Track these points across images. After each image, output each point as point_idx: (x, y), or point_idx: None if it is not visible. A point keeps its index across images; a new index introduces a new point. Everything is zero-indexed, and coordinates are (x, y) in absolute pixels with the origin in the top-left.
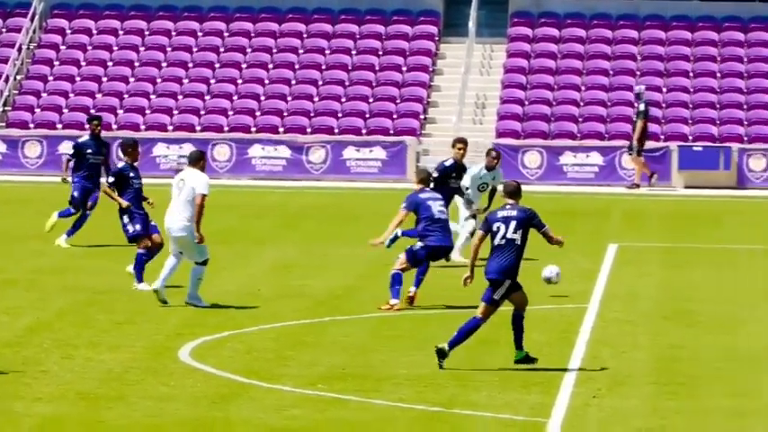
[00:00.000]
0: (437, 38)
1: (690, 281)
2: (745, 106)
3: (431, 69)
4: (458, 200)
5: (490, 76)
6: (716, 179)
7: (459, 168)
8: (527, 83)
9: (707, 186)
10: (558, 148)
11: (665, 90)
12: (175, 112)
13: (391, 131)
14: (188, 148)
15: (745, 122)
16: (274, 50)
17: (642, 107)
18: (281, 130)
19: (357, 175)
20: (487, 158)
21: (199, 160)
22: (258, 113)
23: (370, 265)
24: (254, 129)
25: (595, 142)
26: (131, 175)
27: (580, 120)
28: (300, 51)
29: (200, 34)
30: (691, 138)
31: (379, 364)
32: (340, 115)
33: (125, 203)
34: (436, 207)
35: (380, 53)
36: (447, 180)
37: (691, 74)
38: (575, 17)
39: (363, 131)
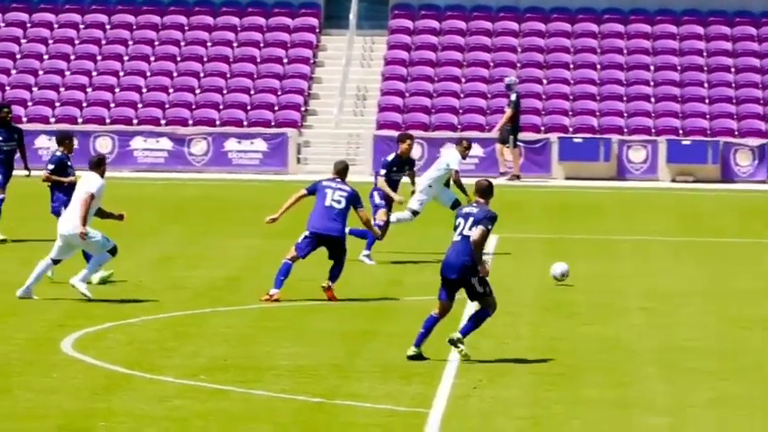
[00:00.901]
0: (318, 30)
1: (570, 272)
2: (625, 98)
3: (312, 61)
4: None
5: (371, 68)
6: (596, 170)
7: (402, 162)
8: (408, 75)
9: (587, 178)
10: (439, 139)
11: (545, 82)
12: (57, 104)
13: (272, 123)
14: None
15: (625, 114)
16: (156, 42)
17: (514, 97)
18: (162, 122)
19: (238, 167)
20: (459, 148)
21: (99, 165)
22: (140, 105)
23: (251, 256)
24: (135, 121)
25: (476, 134)
26: (69, 164)
27: (460, 111)
28: (182, 43)
29: (81, 27)
30: (571, 129)
31: (261, 354)
32: (221, 107)
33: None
34: (332, 196)
35: (261, 45)
36: (390, 174)
37: (571, 65)
38: (455, 9)
39: (245, 123)
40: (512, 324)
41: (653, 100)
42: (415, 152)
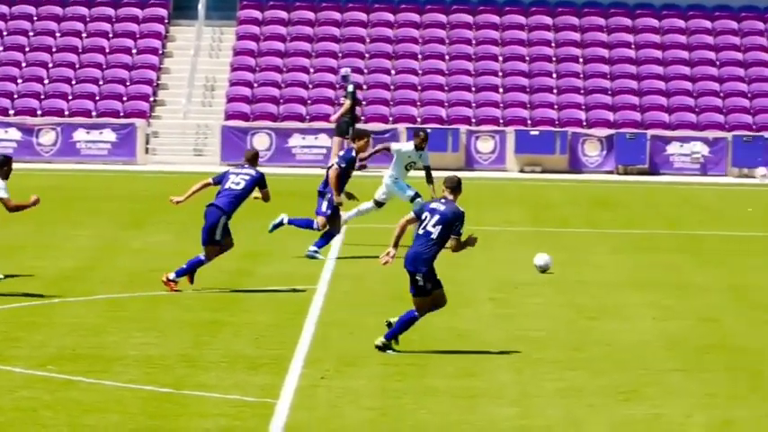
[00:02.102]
0: (167, 21)
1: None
2: (473, 89)
3: (160, 52)
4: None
5: (219, 59)
6: (444, 161)
7: (356, 159)
8: (256, 65)
9: (435, 168)
10: (287, 130)
11: (393, 72)
12: None
13: (121, 114)
14: None
15: (474, 105)
16: (5, 33)
17: (351, 89)
18: (11, 112)
19: (87, 158)
20: (416, 139)
21: (2, 166)
22: None
23: (100, 246)
24: None
25: (323, 124)
26: None
27: (309, 102)
28: (30, 34)
29: None
30: (419, 120)
31: (110, 345)
32: (70, 98)
33: None
34: (233, 179)
35: (110, 36)
36: (348, 169)
37: (419, 56)
38: (303, 0)
39: (93, 114)
40: (360, 313)
41: (501, 91)
42: (263, 143)
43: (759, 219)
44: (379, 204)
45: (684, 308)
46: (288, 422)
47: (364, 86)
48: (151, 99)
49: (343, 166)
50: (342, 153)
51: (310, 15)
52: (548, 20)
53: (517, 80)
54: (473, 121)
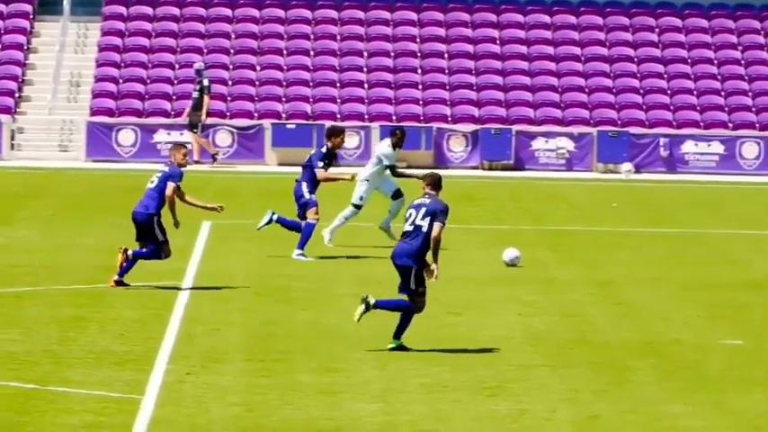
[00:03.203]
0: (32, 16)
1: (283, 257)
2: (338, 84)
3: (25, 48)
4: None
5: (85, 55)
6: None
7: (332, 156)
8: (121, 61)
9: (300, 164)
10: (152, 125)
11: (258, 68)
12: None
13: None
14: None
15: (339, 100)
16: None
17: (206, 83)
18: None
19: None
20: (393, 138)
21: None
22: None
23: None
24: None
25: (217, 120)
26: None
27: (174, 98)
28: None
29: None
30: (284, 116)
31: None
32: None
33: None
34: (152, 178)
35: None
36: (325, 167)
37: (284, 51)
38: None
39: None
40: (225, 310)
41: (366, 86)
42: (128, 139)
43: (623, 214)
44: (357, 207)
45: (549, 303)
46: (153, 418)
47: (230, 82)
48: (16, 95)
49: (321, 165)
50: (314, 152)
51: (175, 11)
52: (412, 15)
53: (382, 76)
54: (338, 116)
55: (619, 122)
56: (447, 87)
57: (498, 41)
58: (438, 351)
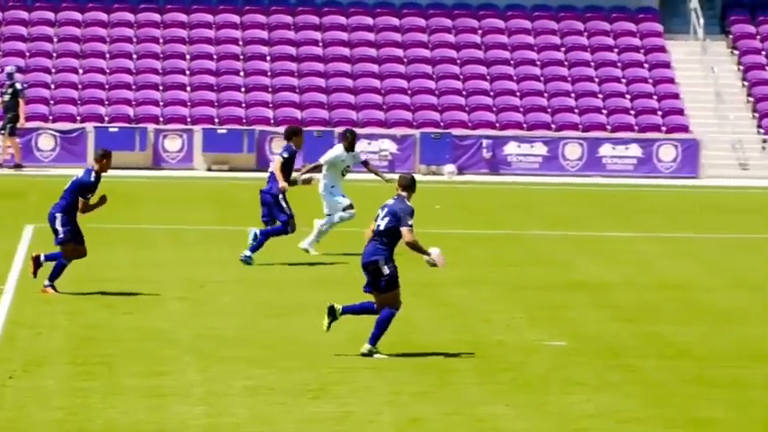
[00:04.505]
0: None
1: (107, 261)
2: (161, 87)
3: None
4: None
5: None
6: (132, 160)
7: (292, 154)
8: None
9: (123, 167)
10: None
11: (81, 71)
12: None
13: None
14: None
15: (162, 103)
16: None
17: (19, 86)
18: None
19: None
20: (345, 142)
21: None
22: None
23: None
24: None
25: (39, 123)
26: None
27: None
28: None
29: None
30: (107, 119)
31: None
32: None
33: None
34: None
35: None
36: (291, 162)
37: (107, 55)
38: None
39: None
40: (48, 313)
41: (189, 89)
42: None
43: (446, 216)
44: (344, 210)
45: None
46: None
47: (52, 86)
48: None
49: (285, 156)
50: (283, 147)
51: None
52: (235, 17)
53: (205, 79)
54: (161, 119)
55: (441, 124)
56: (270, 90)
57: (321, 44)
58: (262, 353)
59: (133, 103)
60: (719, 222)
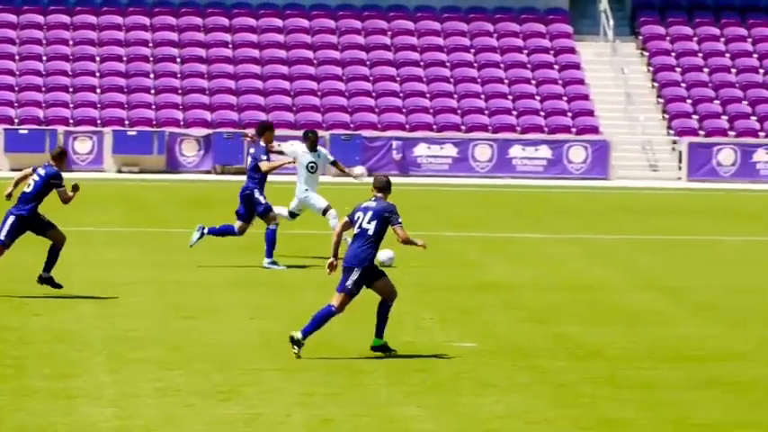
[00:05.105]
0: None
1: (16, 262)
2: (71, 89)
3: None
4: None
5: None
6: (42, 162)
7: (267, 152)
8: None
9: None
10: None
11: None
12: None
13: None
14: None
15: (72, 105)
16: None
17: None
18: None
19: None
20: (307, 142)
21: None
22: None
23: None
24: None
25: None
26: None
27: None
28: None
29: None
30: (17, 121)
31: None
32: None
33: None
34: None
35: None
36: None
37: (17, 57)
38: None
39: None
40: None
41: (99, 91)
42: None
43: None
44: (292, 215)
45: (282, 307)
46: None
47: None
48: None
49: (264, 158)
50: (254, 151)
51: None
52: (145, 20)
53: (114, 81)
54: (71, 121)
55: (351, 126)
56: (180, 92)
57: (231, 45)
58: (172, 355)
59: (43, 105)
60: (629, 223)
